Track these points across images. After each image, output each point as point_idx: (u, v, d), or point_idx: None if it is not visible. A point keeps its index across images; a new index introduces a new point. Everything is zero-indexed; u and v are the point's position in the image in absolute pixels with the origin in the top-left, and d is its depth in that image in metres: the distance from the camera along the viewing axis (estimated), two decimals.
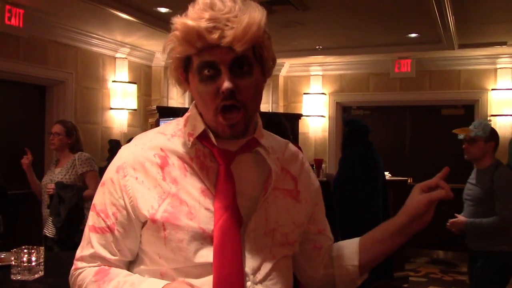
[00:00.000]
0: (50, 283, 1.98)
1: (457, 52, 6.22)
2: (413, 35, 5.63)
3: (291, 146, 1.29)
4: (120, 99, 6.02)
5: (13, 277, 1.96)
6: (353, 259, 1.26)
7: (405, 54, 6.50)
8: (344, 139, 5.08)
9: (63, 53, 5.41)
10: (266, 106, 7.17)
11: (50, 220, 3.59)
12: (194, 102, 1.18)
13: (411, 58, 6.60)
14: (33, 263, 1.98)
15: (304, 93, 7.31)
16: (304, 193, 1.23)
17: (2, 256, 2.15)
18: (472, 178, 3.47)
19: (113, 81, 6.03)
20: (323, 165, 6.40)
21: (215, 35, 1.01)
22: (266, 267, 1.12)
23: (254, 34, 1.03)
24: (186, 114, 1.18)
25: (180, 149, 1.13)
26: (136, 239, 1.12)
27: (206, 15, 1.02)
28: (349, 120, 5.22)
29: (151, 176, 1.10)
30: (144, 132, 1.22)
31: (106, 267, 1.13)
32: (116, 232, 1.12)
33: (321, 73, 7.30)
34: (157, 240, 1.08)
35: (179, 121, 1.19)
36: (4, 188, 3.22)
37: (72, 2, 4.51)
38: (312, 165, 5.57)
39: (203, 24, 1.01)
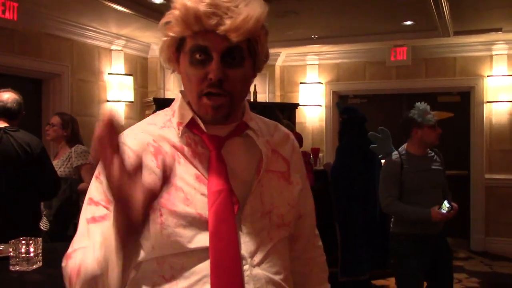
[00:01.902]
0: (49, 273, 2.01)
1: (452, 39, 6.22)
2: (408, 22, 5.63)
3: (281, 127, 1.31)
4: (116, 92, 6.01)
5: (12, 268, 1.99)
6: None
7: (400, 42, 6.51)
8: (341, 128, 5.10)
9: (58, 46, 5.40)
10: (263, 96, 7.17)
11: (44, 213, 3.61)
12: (180, 90, 1.20)
13: (407, 46, 6.61)
14: (31, 254, 2.00)
15: (301, 83, 7.31)
16: (295, 176, 1.25)
17: (1, 248, 2.17)
18: (430, 163, 3.41)
19: (109, 74, 6.02)
20: (320, 154, 6.43)
21: (213, 21, 1.02)
22: (264, 250, 1.13)
23: (252, 27, 1.04)
24: (174, 104, 1.20)
25: (172, 138, 1.14)
26: None
27: None
28: (345, 108, 5.23)
29: (146, 163, 1.08)
30: (135, 124, 1.22)
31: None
32: None
33: (317, 62, 7.30)
34: (153, 227, 1.07)
35: (167, 112, 1.21)
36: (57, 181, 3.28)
37: None
38: (309, 155, 5.59)
39: (203, 8, 1.02)
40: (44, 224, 3.64)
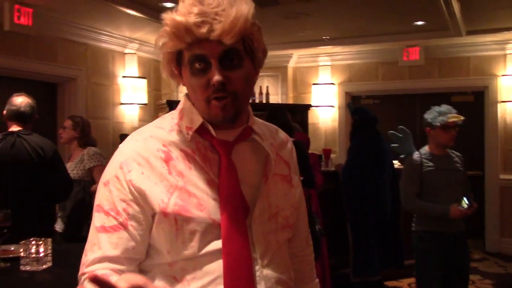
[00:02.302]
0: (58, 273, 2.06)
1: (465, 39, 6.18)
2: (420, 22, 5.61)
3: (281, 132, 1.34)
4: (130, 94, 6.10)
5: (22, 268, 2.05)
6: None
7: (413, 42, 6.47)
8: (353, 129, 5.12)
9: (72, 50, 5.50)
10: (275, 97, 7.20)
11: (59, 215, 3.69)
12: (185, 94, 1.21)
13: (420, 46, 6.56)
14: (41, 254, 2.06)
15: (313, 84, 7.32)
16: (295, 178, 1.29)
17: (12, 249, 2.23)
18: (450, 163, 3.49)
19: (123, 77, 6.11)
20: (333, 155, 6.44)
21: (204, 29, 1.04)
22: (271, 251, 1.17)
23: (242, 26, 1.06)
24: (179, 107, 1.21)
25: (181, 143, 1.15)
26: (149, 230, 1.12)
27: (195, 9, 1.05)
28: (356, 108, 5.24)
29: (156, 170, 1.12)
30: (142, 128, 1.23)
31: (109, 272, 1.07)
32: (130, 228, 1.10)
33: (329, 63, 7.30)
34: (168, 234, 1.10)
35: (174, 115, 1.21)
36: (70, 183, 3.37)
37: (80, 0, 4.59)
38: (320, 155, 5.60)
39: (192, 19, 1.04)
40: (59, 226, 3.72)
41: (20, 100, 3.28)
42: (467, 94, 6.88)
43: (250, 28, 1.09)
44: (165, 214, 1.09)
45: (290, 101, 7.28)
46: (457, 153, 3.59)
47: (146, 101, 6.25)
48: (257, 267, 1.13)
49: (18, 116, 3.26)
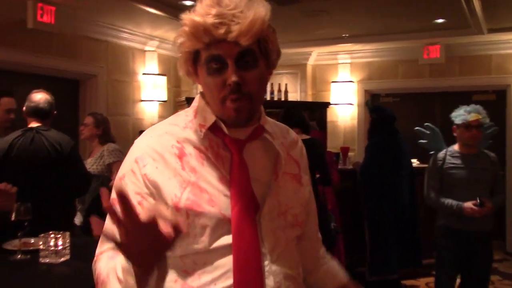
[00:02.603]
0: (76, 265, 2.11)
1: (487, 37, 6.10)
2: (440, 20, 5.55)
3: (291, 132, 1.37)
4: (150, 91, 6.17)
5: (41, 260, 2.11)
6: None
7: (433, 40, 6.40)
8: (371, 127, 5.10)
9: (94, 47, 5.59)
10: (294, 95, 7.20)
11: (79, 208, 3.77)
12: (200, 92, 1.25)
13: (440, 44, 6.49)
14: (60, 247, 2.12)
15: (332, 81, 7.30)
16: (305, 177, 1.31)
17: (32, 241, 2.30)
18: (477, 162, 3.51)
19: (143, 74, 6.19)
20: (351, 153, 6.43)
21: (222, 30, 1.07)
22: (280, 247, 1.19)
23: (259, 29, 1.09)
24: (194, 105, 1.24)
25: (194, 139, 1.18)
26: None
27: (213, 11, 1.08)
28: (375, 107, 5.23)
29: (170, 166, 1.15)
30: (156, 124, 1.27)
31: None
32: None
33: (349, 61, 7.28)
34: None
35: (188, 113, 1.25)
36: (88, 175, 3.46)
37: None
38: (338, 153, 5.60)
39: (210, 20, 1.07)
40: (78, 219, 3.80)
41: (39, 97, 3.35)
42: (488, 93, 6.79)
43: (266, 30, 1.13)
44: (177, 208, 1.12)
45: (309, 99, 7.28)
46: (491, 154, 3.62)
47: (165, 98, 6.32)
48: (266, 262, 1.15)
49: (37, 112, 3.33)
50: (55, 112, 3.48)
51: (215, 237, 1.13)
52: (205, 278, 1.13)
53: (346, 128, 7.33)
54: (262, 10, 1.10)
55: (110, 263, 1.13)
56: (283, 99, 6.79)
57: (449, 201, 3.44)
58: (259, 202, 1.17)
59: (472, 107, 3.53)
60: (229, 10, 1.08)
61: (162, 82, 6.27)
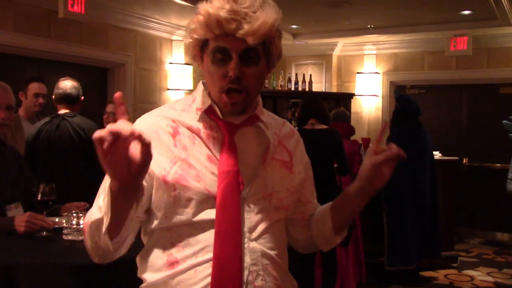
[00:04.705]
0: None
1: None
2: (466, 12, 5.51)
3: (288, 124, 1.45)
4: (177, 80, 6.32)
5: (65, 237, 2.24)
6: (326, 221, 1.38)
7: (460, 32, 6.34)
8: (393, 117, 5.12)
9: (123, 36, 5.75)
10: (319, 86, 7.23)
11: None
12: (201, 81, 1.35)
13: (468, 35, 6.41)
14: (81, 225, 2.25)
15: (358, 73, 7.31)
16: (298, 166, 1.39)
17: (57, 220, 2.44)
18: None
19: (170, 63, 6.33)
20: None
21: (233, 26, 1.16)
22: (262, 227, 1.27)
23: (267, 31, 1.18)
24: (195, 92, 1.35)
25: (189, 121, 1.28)
26: (149, 197, 1.23)
27: (228, 6, 1.15)
28: (401, 96, 5.23)
29: (163, 142, 1.24)
30: (158, 107, 1.38)
31: None
32: None
33: (374, 52, 7.27)
34: (167, 199, 1.22)
35: (188, 98, 1.36)
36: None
37: None
38: (360, 144, 5.62)
39: (224, 14, 1.15)
40: None
41: (66, 83, 3.51)
42: None
43: (273, 33, 1.22)
44: (165, 181, 1.21)
45: (334, 90, 7.30)
46: None
47: (191, 87, 6.44)
48: (245, 240, 1.23)
49: (66, 98, 3.49)
50: (82, 97, 3.63)
51: (199, 209, 1.21)
52: (188, 251, 1.23)
53: (371, 120, 7.33)
54: (273, 15, 1.19)
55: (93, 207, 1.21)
56: (307, 89, 6.84)
57: None
58: (243, 182, 1.25)
59: None
60: (243, 8, 1.16)
61: (188, 71, 6.40)
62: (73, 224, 2.26)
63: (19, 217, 2.28)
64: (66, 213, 2.31)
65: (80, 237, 2.24)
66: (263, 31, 1.16)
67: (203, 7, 1.19)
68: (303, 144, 1.45)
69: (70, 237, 2.26)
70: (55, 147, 3.38)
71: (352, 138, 5.10)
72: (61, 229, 2.30)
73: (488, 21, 5.69)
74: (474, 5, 5.23)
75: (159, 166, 1.22)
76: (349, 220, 1.38)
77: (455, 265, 5.41)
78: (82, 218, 2.27)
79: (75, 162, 3.40)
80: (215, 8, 1.16)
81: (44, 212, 2.36)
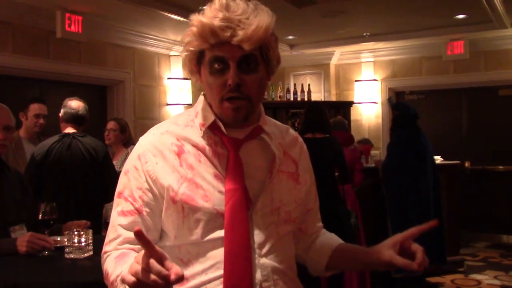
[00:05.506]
0: (98, 260, 2.24)
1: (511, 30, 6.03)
2: (461, 16, 5.53)
3: (291, 131, 1.43)
4: (176, 95, 6.34)
5: (66, 256, 2.25)
6: (322, 259, 1.39)
7: (456, 36, 6.36)
8: (393, 124, 5.14)
9: (121, 54, 5.79)
10: (318, 95, 7.25)
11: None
12: (202, 93, 1.32)
13: (464, 39, 6.42)
14: (83, 244, 2.26)
15: (356, 80, 7.33)
16: (304, 176, 1.37)
17: (58, 239, 2.45)
18: None
19: (168, 78, 6.36)
20: (377, 152, 6.45)
21: (227, 33, 1.14)
22: (271, 242, 1.25)
23: (262, 36, 1.16)
24: (196, 105, 1.32)
25: (194, 138, 1.26)
26: (160, 216, 1.24)
27: (221, 15, 1.14)
28: (397, 104, 5.25)
29: (169, 162, 1.23)
30: (160, 123, 1.35)
31: (128, 251, 1.23)
32: (144, 213, 1.23)
33: (372, 59, 7.29)
34: (175, 220, 1.22)
35: (190, 112, 1.32)
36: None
37: (126, 7, 4.81)
38: (360, 153, 5.63)
39: (217, 22, 1.14)
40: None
41: (78, 104, 3.53)
42: None
43: (268, 38, 1.19)
44: (174, 201, 1.21)
45: (333, 98, 7.32)
46: None
47: (191, 101, 6.46)
48: (255, 256, 1.22)
49: (77, 118, 3.52)
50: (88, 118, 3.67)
51: (208, 230, 1.21)
52: (197, 268, 1.22)
53: (371, 127, 7.34)
54: (267, 19, 1.17)
55: (117, 269, 1.18)
56: (306, 99, 6.86)
57: None
58: (251, 199, 1.24)
59: None
60: (236, 15, 1.15)
61: (187, 86, 6.42)
62: (74, 243, 2.27)
63: (21, 237, 2.29)
64: (67, 232, 2.31)
65: (82, 255, 2.26)
66: (258, 35, 1.15)
67: (195, 18, 1.18)
68: (306, 150, 1.44)
69: (72, 256, 2.26)
70: (66, 166, 3.40)
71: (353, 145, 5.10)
72: (63, 248, 2.31)
73: (484, 24, 5.70)
74: (469, 9, 5.25)
75: (167, 186, 1.22)
76: (344, 268, 1.39)
77: (461, 269, 5.38)
78: (83, 236, 2.28)
79: (85, 181, 3.43)
80: (208, 17, 1.15)
81: (46, 232, 2.37)
